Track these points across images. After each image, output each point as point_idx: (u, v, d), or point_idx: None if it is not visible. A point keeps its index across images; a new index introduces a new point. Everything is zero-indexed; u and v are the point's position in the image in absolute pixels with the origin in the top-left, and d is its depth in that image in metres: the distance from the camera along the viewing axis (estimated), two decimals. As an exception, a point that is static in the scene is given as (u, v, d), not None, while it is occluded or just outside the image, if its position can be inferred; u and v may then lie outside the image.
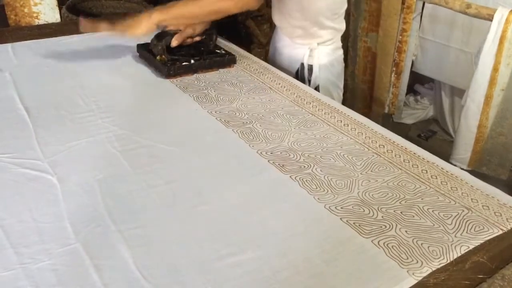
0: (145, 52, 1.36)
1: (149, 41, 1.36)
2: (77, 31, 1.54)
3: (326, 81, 1.49)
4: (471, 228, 0.80)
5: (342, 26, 1.49)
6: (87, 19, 1.30)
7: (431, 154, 1.01)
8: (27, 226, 0.75)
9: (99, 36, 1.32)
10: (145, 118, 1.10)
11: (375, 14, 2.11)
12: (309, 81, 1.47)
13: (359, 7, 2.13)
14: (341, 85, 1.57)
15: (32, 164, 0.90)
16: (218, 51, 1.41)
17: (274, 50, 1.56)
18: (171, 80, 1.27)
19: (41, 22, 1.66)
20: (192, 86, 1.25)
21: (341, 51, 1.53)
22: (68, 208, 0.79)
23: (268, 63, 1.48)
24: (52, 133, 1.00)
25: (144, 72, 1.32)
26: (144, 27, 1.26)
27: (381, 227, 0.79)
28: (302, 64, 1.46)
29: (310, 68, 1.46)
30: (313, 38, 1.43)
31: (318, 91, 1.45)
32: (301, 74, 1.47)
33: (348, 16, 2.20)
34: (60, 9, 1.90)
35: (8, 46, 1.41)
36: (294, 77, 1.43)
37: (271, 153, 0.98)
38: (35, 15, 1.64)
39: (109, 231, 0.75)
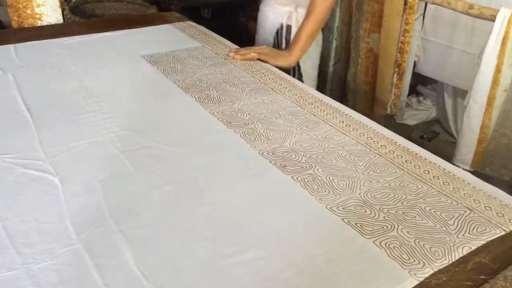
0: None
1: None
2: (79, 32, 1.55)
3: None
4: (473, 229, 0.79)
5: None
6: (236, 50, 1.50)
7: (433, 155, 1.01)
8: (29, 226, 0.75)
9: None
10: (147, 118, 1.10)
11: (377, 15, 2.10)
12: (287, 41, 1.63)
13: (361, 8, 2.13)
14: (316, 62, 1.74)
15: (35, 165, 0.90)
16: None
17: (261, 16, 1.75)
18: (173, 81, 1.27)
19: (44, 23, 1.66)
20: (194, 87, 1.25)
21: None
22: (70, 209, 0.80)
23: (256, 31, 1.74)
24: (54, 134, 1.00)
25: (147, 73, 1.33)
26: (286, 62, 1.50)
27: (383, 227, 0.79)
28: (282, 25, 1.64)
29: (288, 28, 1.62)
30: (295, 2, 1.60)
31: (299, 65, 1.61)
32: (280, 34, 1.65)
33: (350, 17, 2.20)
34: (62, 10, 1.90)
35: (11, 47, 1.42)
36: (274, 37, 1.66)
37: (272, 153, 0.98)
38: (38, 16, 1.65)
39: (111, 231, 0.75)
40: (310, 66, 1.68)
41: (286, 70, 1.48)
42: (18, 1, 1.60)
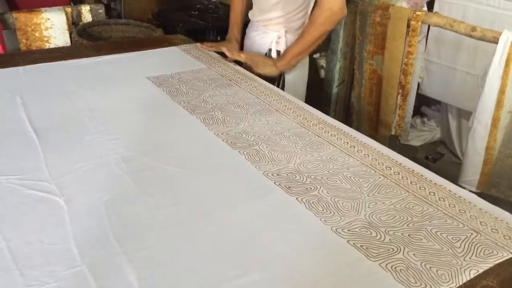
0: None
1: None
2: (86, 55, 1.58)
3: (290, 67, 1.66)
4: (480, 251, 0.78)
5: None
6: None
7: (438, 176, 1.00)
8: (33, 247, 0.75)
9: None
10: (152, 139, 1.11)
11: (381, 37, 2.12)
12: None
13: (364, 30, 2.15)
14: (305, 81, 1.75)
15: (40, 186, 0.90)
16: None
17: (247, 41, 1.78)
18: (179, 102, 1.28)
19: (52, 45, 1.69)
20: (199, 108, 1.26)
21: None
22: (74, 230, 0.79)
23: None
24: (60, 155, 1.01)
25: (152, 95, 1.34)
26: (268, 70, 1.55)
27: (389, 250, 0.78)
28: (270, 50, 1.65)
29: (278, 53, 1.64)
30: (283, 26, 1.63)
31: (284, 77, 1.64)
32: (269, 57, 1.65)
33: (353, 39, 2.22)
34: (70, 33, 1.94)
35: (20, 69, 1.44)
36: None
37: (277, 174, 0.98)
38: (46, 39, 1.68)
39: (115, 253, 0.75)
40: (294, 78, 1.70)
41: (270, 80, 1.53)
42: (27, 24, 1.63)
